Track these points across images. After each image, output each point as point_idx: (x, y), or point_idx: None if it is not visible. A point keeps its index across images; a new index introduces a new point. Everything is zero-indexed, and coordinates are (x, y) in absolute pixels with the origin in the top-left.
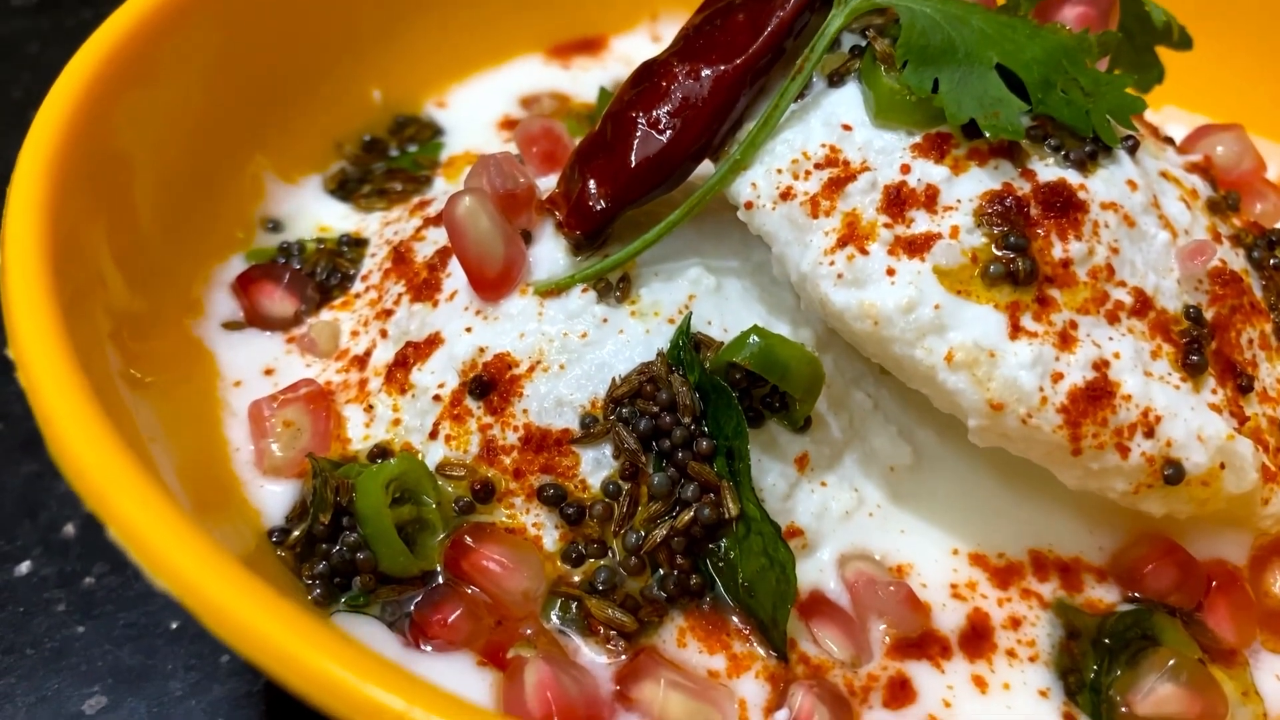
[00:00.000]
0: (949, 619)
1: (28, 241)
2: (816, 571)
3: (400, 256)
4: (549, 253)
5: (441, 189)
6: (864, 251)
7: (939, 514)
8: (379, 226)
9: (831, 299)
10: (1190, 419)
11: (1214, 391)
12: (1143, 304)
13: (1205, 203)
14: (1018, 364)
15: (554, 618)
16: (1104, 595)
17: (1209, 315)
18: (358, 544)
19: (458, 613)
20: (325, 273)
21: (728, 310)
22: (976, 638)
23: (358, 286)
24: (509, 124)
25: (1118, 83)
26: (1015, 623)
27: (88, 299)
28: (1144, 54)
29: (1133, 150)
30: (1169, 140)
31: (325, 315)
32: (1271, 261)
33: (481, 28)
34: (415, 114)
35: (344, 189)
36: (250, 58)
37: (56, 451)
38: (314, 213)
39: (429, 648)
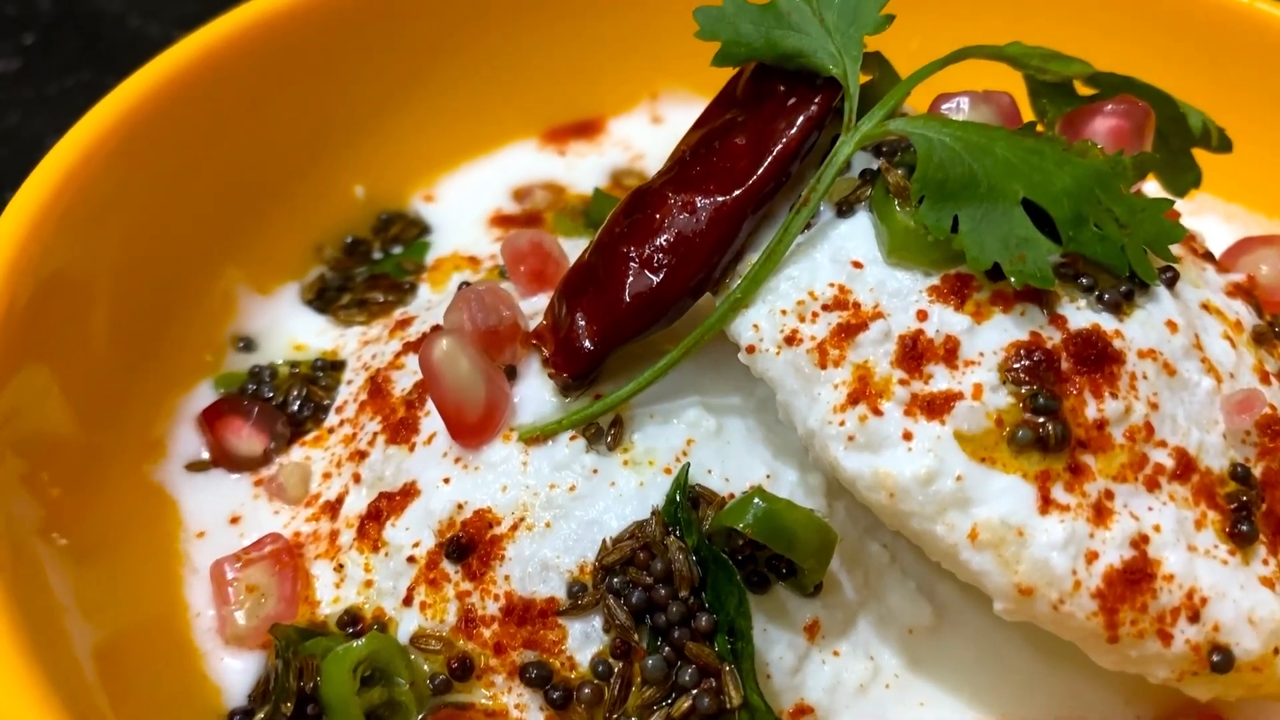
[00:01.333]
0: None
1: None
2: None
3: (377, 388)
4: (535, 392)
5: (425, 299)
6: (877, 411)
7: (962, 682)
8: (357, 346)
9: (843, 464)
10: (1240, 599)
11: (1265, 562)
12: (1185, 466)
13: (1251, 334)
14: (1048, 544)
15: None
16: None
17: (1258, 471)
18: None
19: None
20: (298, 402)
21: (730, 456)
22: None
23: (332, 419)
24: (500, 220)
25: (1154, 208)
26: None
27: (22, 447)
28: (1180, 157)
29: (1171, 283)
30: (1208, 256)
31: (296, 453)
32: None
33: (471, 113)
34: (401, 210)
35: (322, 298)
36: (220, 161)
37: None
38: (289, 328)
39: None
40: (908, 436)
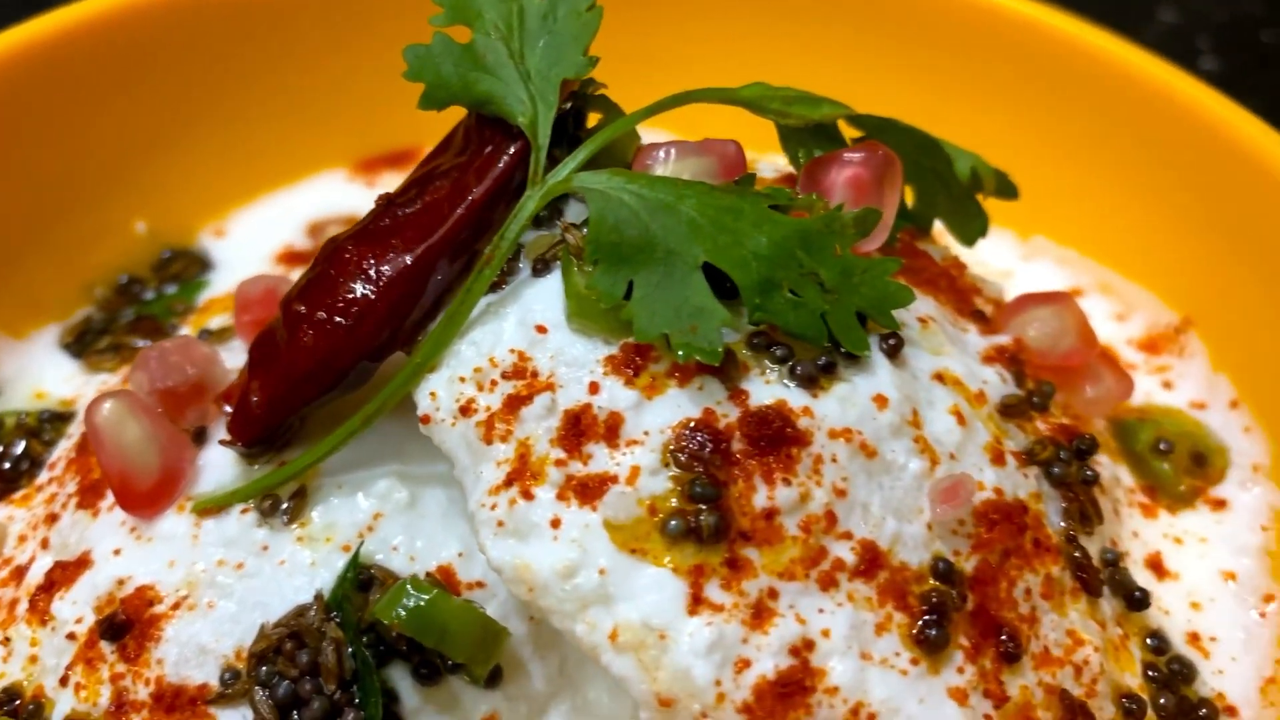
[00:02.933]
0: None
1: None
2: None
3: (85, 444)
4: (221, 457)
5: None
6: (529, 495)
7: None
8: (94, 395)
9: (489, 552)
10: (917, 715)
11: (960, 670)
12: (872, 562)
13: (998, 406)
14: (691, 649)
15: None
16: None
17: (969, 566)
18: None
19: None
20: (16, 456)
21: (421, 532)
22: None
23: (43, 476)
24: (289, 257)
25: (876, 270)
26: None
27: None
28: (965, 203)
29: (894, 352)
30: (978, 315)
31: (0, 512)
32: (1083, 476)
33: (275, 141)
34: (187, 246)
35: (81, 342)
36: None
37: None
38: (36, 375)
39: None
40: (556, 524)
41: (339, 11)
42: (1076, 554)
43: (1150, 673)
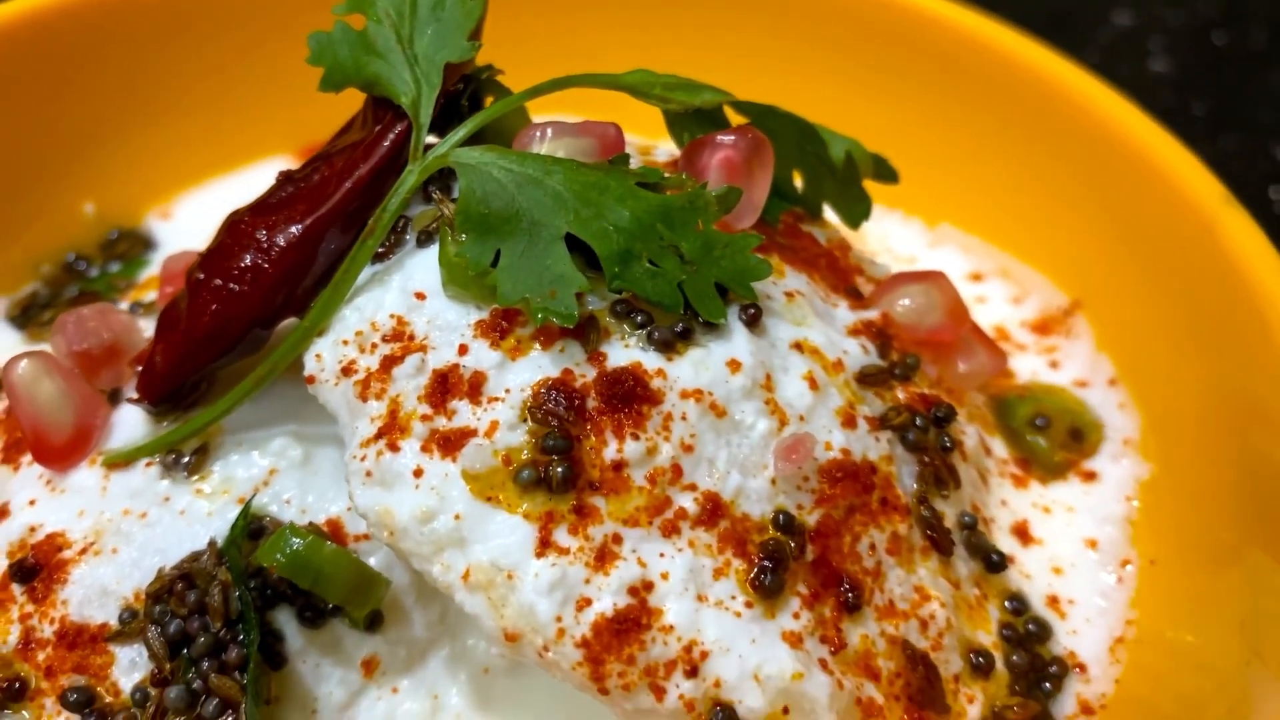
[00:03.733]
0: None
1: None
2: None
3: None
4: (133, 416)
5: None
6: (395, 448)
7: None
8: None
9: (357, 500)
10: (748, 654)
11: (796, 616)
12: (714, 512)
13: (855, 375)
14: (535, 588)
15: None
16: None
17: (811, 520)
18: None
19: None
20: None
21: (313, 487)
22: None
23: None
24: None
25: (737, 244)
26: None
27: None
28: (850, 188)
29: (752, 322)
30: (852, 292)
31: None
32: (941, 443)
33: (223, 126)
34: (134, 227)
35: (25, 315)
36: None
37: None
38: None
39: None
40: (418, 474)
41: (282, 6)
42: (927, 514)
43: (1005, 632)
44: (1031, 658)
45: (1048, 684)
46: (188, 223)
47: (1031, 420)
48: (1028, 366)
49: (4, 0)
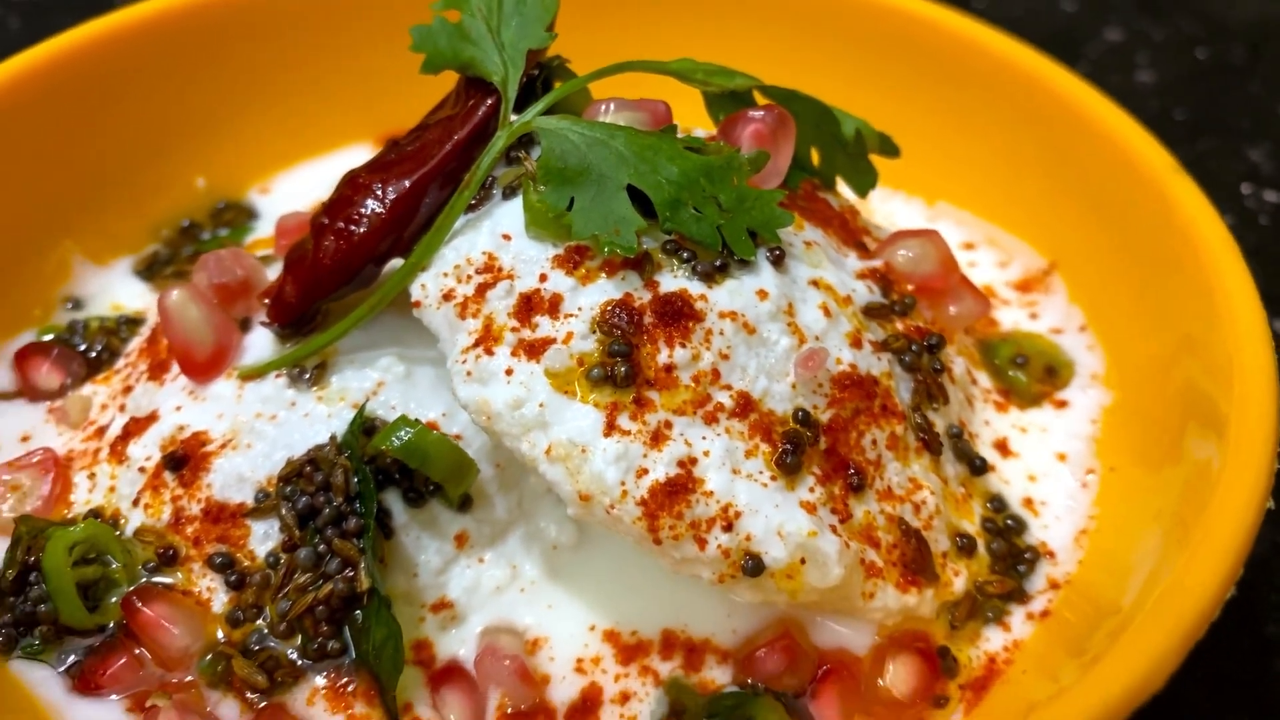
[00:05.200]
0: (565, 692)
1: None
2: (459, 642)
3: (154, 337)
4: (262, 339)
5: None
6: (490, 353)
7: (589, 591)
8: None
9: (459, 394)
10: (772, 515)
11: (811, 490)
12: (745, 406)
13: (862, 308)
14: (604, 459)
15: (206, 673)
16: (718, 676)
17: (824, 417)
18: (40, 598)
19: (119, 664)
20: (98, 349)
21: (413, 397)
22: (584, 711)
23: (120, 363)
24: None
25: (765, 199)
26: (625, 698)
27: None
28: (859, 161)
29: (777, 261)
30: (860, 246)
31: (86, 389)
32: (933, 365)
33: (313, 118)
34: (238, 199)
35: (150, 271)
36: (69, 149)
37: None
38: (115, 292)
39: (92, 694)
40: (509, 372)
41: (368, 10)
42: (919, 421)
43: (987, 524)
44: (1009, 546)
45: (1022, 566)
46: (282, 197)
47: (1013, 359)
48: (1011, 318)
49: (134, 3)
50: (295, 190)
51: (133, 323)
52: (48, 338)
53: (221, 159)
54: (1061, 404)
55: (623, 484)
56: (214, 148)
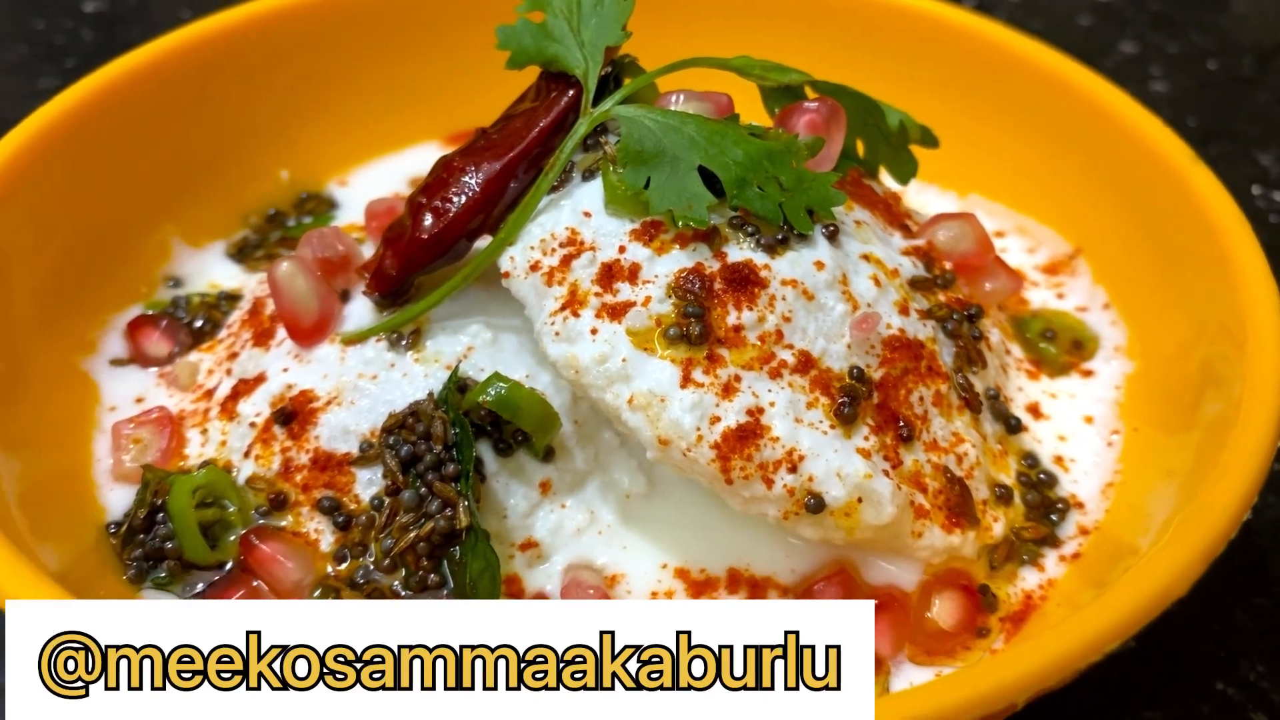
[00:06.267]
0: None
1: None
2: (545, 578)
3: (255, 309)
4: (360, 308)
5: None
6: (576, 315)
7: (659, 534)
8: (255, 285)
9: (550, 352)
10: (832, 459)
11: (866, 439)
12: (806, 363)
13: (908, 280)
14: (680, 408)
15: None
16: None
17: (877, 375)
18: (167, 535)
19: (238, 595)
20: (200, 321)
21: (500, 360)
22: None
23: (222, 333)
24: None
25: (821, 180)
26: None
27: None
28: (900, 152)
29: (832, 236)
30: (904, 228)
31: (192, 356)
32: (972, 333)
33: (386, 118)
34: (318, 191)
35: (241, 253)
36: (169, 143)
37: None
38: (211, 272)
39: None
40: (594, 332)
41: (437, 17)
42: (961, 381)
43: (1022, 478)
44: (1042, 497)
45: (1054, 515)
46: (360, 189)
47: (1042, 333)
48: (1039, 298)
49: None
50: (370, 182)
51: (231, 298)
52: (153, 312)
53: (303, 154)
54: (1088, 373)
55: (698, 429)
56: (297, 144)
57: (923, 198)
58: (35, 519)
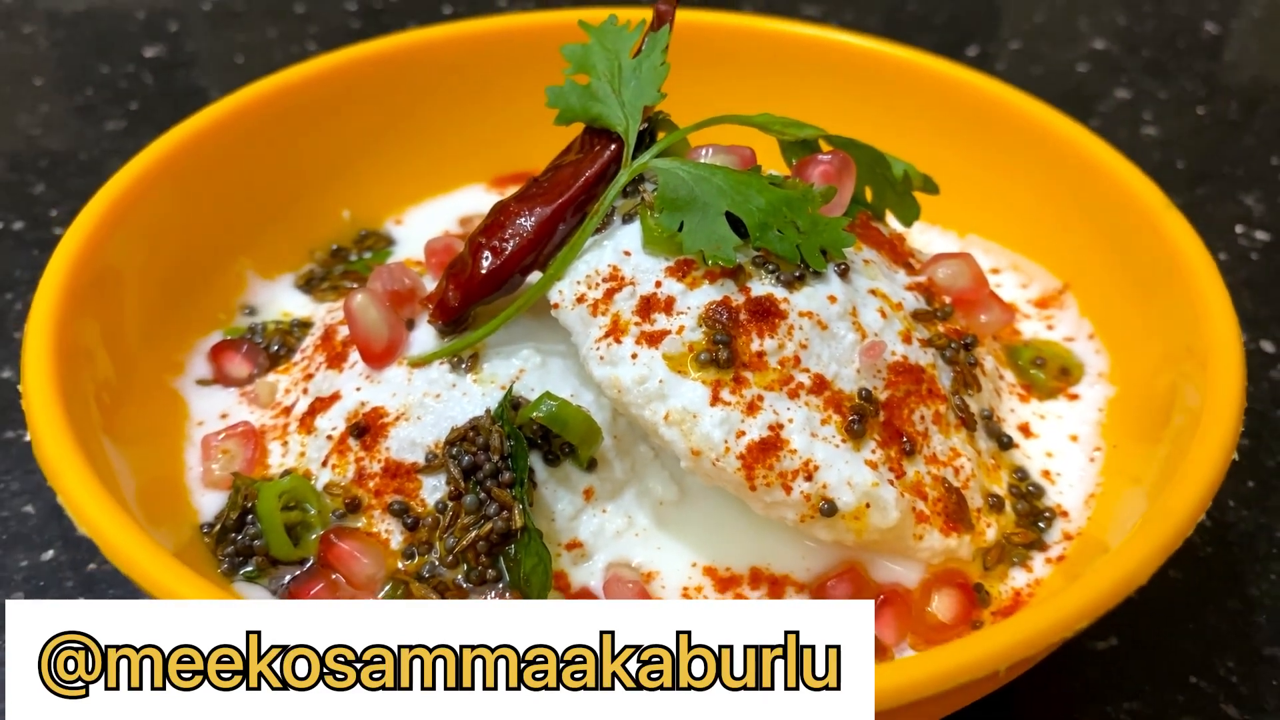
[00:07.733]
0: None
1: (41, 334)
2: (589, 574)
3: (328, 335)
4: (424, 336)
5: None
6: (619, 341)
7: (689, 536)
8: (324, 314)
9: (595, 373)
10: (843, 469)
11: (873, 452)
12: (820, 385)
13: (911, 313)
14: (710, 423)
15: (389, 596)
16: None
17: (883, 396)
18: (256, 535)
19: (318, 587)
20: (276, 345)
21: (549, 381)
22: None
23: (297, 357)
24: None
25: (833, 224)
26: None
27: (82, 371)
28: (904, 197)
29: (843, 273)
30: (908, 265)
31: (270, 377)
32: (968, 360)
33: (437, 163)
34: (377, 229)
35: (309, 285)
36: (245, 186)
37: (50, 480)
38: (282, 302)
39: None
40: (634, 356)
41: (486, 69)
42: (958, 403)
43: (1013, 489)
44: (1031, 507)
45: (1042, 523)
46: (414, 227)
47: (1033, 361)
48: (1031, 328)
49: (305, 60)
50: (423, 220)
51: (302, 325)
52: (232, 337)
53: (364, 195)
54: (1074, 397)
55: (725, 442)
56: (358, 186)
57: (925, 238)
58: (148, 515)
